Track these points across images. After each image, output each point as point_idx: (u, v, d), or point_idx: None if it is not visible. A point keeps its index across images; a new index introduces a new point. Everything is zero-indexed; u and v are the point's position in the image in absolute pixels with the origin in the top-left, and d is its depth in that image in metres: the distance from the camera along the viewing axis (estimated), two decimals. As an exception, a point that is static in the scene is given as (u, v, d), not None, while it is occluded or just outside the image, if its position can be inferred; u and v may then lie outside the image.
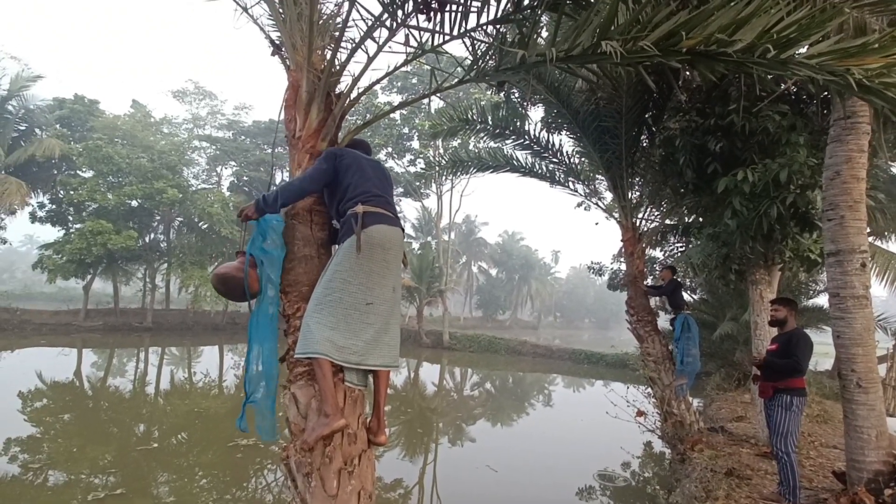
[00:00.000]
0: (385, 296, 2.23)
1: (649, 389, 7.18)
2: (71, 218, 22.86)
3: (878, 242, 9.68)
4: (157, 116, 27.30)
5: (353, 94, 2.59)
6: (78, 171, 22.48)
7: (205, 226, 25.18)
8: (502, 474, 7.37)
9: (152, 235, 26.72)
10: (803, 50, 2.17)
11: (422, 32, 2.50)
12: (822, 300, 12.19)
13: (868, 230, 4.11)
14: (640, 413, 6.98)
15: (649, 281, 9.76)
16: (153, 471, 6.89)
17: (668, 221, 8.77)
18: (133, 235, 21.77)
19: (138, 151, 22.64)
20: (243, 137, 30.50)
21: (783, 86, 4.75)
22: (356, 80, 2.51)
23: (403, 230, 2.40)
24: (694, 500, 4.19)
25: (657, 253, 11.76)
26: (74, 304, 27.96)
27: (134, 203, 22.84)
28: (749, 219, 4.98)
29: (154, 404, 11.53)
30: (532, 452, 8.88)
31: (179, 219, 26.31)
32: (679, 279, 7.42)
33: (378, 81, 2.66)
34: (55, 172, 22.89)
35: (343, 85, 2.65)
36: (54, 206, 22.64)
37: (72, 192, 21.22)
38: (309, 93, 2.53)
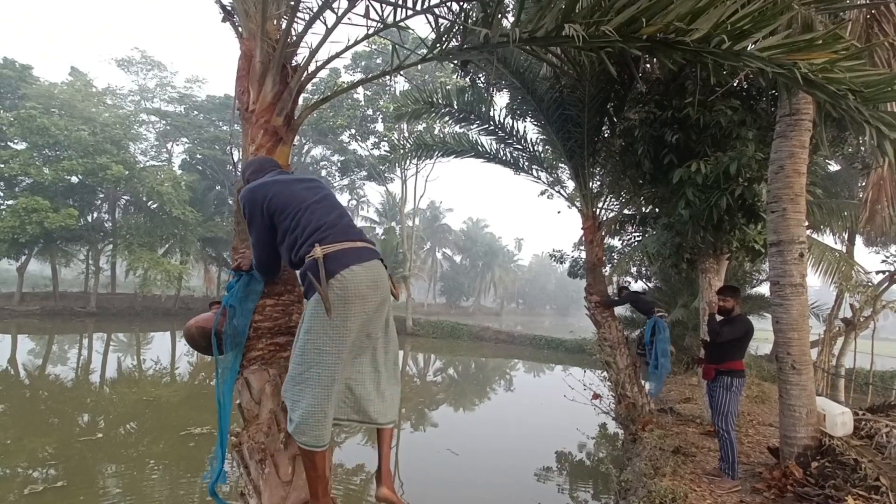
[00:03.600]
0: (374, 340, 1.89)
1: (605, 373, 7.45)
2: (1, 193, 21.14)
3: (814, 235, 10.38)
4: (98, 86, 25.48)
5: (312, 68, 2.47)
6: (9, 143, 20.74)
7: (154, 205, 23.94)
8: (463, 457, 7.50)
9: (95, 214, 25.23)
10: (755, 45, 2.25)
11: (383, 5, 2.40)
12: (764, 289, 13.02)
13: (806, 223, 4.36)
14: (596, 396, 7.25)
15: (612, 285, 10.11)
16: (98, 462, 6.58)
17: (626, 211, 9.06)
18: (73, 214, 20.44)
19: (78, 123, 21.11)
20: (196, 113, 28.99)
21: (735, 79, 4.94)
22: (314, 52, 2.40)
23: (383, 260, 1.91)
24: (643, 477, 4.40)
25: (615, 242, 12.14)
26: (8, 287, 26.12)
27: (74, 179, 21.44)
28: (701, 209, 5.20)
29: (99, 393, 10.96)
30: (493, 436, 9.08)
31: (126, 197, 24.91)
32: (631, 289, 7.61)
33: (338, 55, 2.54)
34: (-19, 143, 21.06)
35: (300, 57, 2.53)
36: (-19, 181, 20.90)
37: (2, 166, 19.58)
38: (263, 63, 2.39)
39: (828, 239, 11.35)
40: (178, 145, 30.00)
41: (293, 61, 2.52)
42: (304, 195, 1.86)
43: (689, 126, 5.32)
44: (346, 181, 32.57)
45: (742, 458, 4.74)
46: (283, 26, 2.41)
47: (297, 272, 1.84)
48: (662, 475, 4.16)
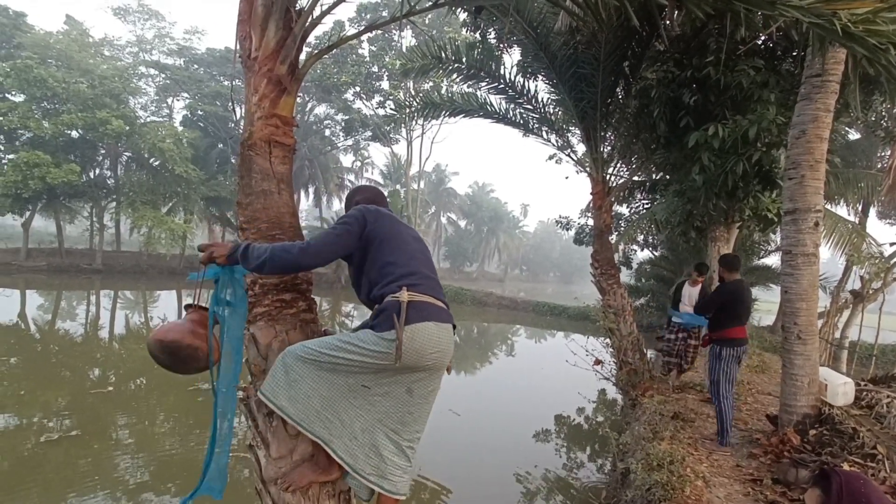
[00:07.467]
0: (393, 391, 1.83)
1: (608, 340, 7.50)
2: (2, 147, 20.88)
3: (828, 206, 10.18)
4: (95, 36, 24.68)
5: (316, 12, 2.32)
6: (6, 95, 20.29)
7: (156, 162, 23.64)
8: (465, 418, 7.67)
9: (98, 171, 24.97)
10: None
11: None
12: (771, 260, 12.94)
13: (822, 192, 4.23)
14: (598, 362, 7.33)
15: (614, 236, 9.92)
16: (110, 414, 6.76)
17: (636, 178, 8.88)
18: (75, 170, 20.22)
19: (76, 75, 20.53)
20: (196, 66, 28.14)
21: (763, 35, 4.68)
22: (318, -6, 2.24)
23: (455, 326, 1.90)
24: (642, 440, 4.49)
25: (623, 209, 11.99)
26: (14, 243, 26.26)
27: (74, 134, 21.08)
28: (716, 175, 5.06)
29: (108, 349, 11.19)
30: (494, 399, 9.27)
31: (127, 154, 24.57)
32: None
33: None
34: (-24, 94, 20.63)
35: (304, 1, 2.37)
36: (-21, 133, 20.60)
37: (1, 118, 19.23)
38: (265, 6, 2.25)
39: (841, 210, 11.14)
40: (178, 100, 29.32)
41: (297, 5, 2.37)
42: (407, 239, 1.91)
43: (708, 87, 5.10)
44: (350, 141, 32.00)
45: (740, 424, 4.82)
46: (286, -35, 2.25)
47: (375, 306, 1.81)
48: (661, 439, 4.23)
